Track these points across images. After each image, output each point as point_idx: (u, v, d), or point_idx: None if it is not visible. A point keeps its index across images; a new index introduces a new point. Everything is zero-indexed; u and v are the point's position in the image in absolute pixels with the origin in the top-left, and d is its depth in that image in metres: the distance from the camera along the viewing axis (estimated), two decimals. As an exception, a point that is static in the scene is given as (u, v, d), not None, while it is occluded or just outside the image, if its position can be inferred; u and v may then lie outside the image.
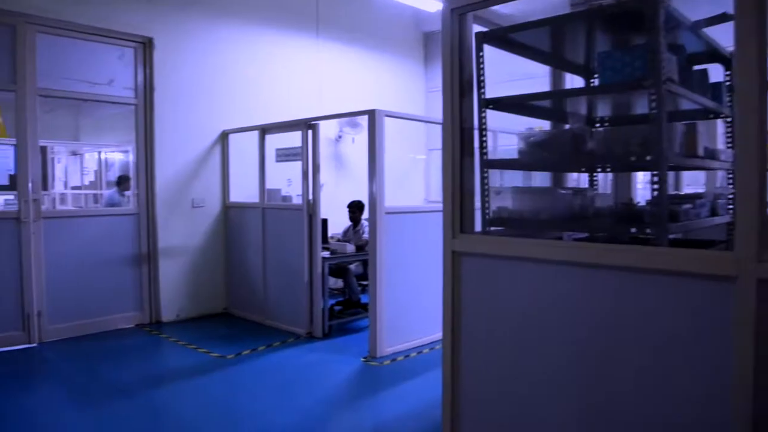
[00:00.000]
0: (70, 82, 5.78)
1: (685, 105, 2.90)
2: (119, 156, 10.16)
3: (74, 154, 10.78)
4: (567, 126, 3.41)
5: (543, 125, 4.00)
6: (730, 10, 2.00)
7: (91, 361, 5.09)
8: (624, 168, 3.32)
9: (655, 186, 2.32)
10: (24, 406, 4.03)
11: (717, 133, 4.29)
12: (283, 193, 6.55)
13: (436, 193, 8.06)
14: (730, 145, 3.16)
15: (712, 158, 2.93)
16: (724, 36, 2.68)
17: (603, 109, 3.32)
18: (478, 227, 2.94)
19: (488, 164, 2.92)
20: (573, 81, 3.76)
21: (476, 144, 2.90)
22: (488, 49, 2.86)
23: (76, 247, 5.81)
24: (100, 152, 10.21)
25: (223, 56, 6.83)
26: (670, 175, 4.30)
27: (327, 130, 7.68)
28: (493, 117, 2.95)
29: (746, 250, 1.92)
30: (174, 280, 6.46)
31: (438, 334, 3.00)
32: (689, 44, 2.81)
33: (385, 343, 5.21)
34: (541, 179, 5.91)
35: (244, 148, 6.74)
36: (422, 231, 5.36)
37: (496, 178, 4.90)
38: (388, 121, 5.19)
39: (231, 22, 6.92)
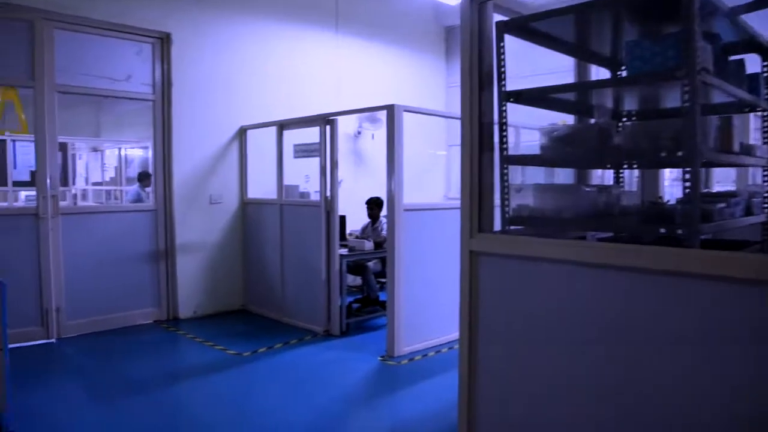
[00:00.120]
0: (88, 78, 5.77)
1: (719, 98, 2.74)
2: (139, 152, 10.21)
3: (95, 150, 10.87)
4: (592, 120, 3.27)
5: (567, 121, 3.86)
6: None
7: (108, 357, 5.10)
8: (653, 164, 3.16)
9: (687, 183, 2.18)
10: (42, 401, 4.03)
11: (750, 128, 4.09)
12: (301, 189, 6.49)
13: (456, 189, 7.92)
14: (767, 140, 2.99)
15: (748, 154, 2.77)
16: (763, 24, 2.53)
17: (630, 103, 3.17)
18: (497, 226, 2.82)
19: (508, 160, 2.80)
20: (598, 74, 3.61)
21: (496, 139, 2.79)
22: (509, 43, 2.73)
23: (94, 243, 5.82)
24: (120, 148, 10.27)
25: (242, 51, 6.78)
26: (701, 172, 4.12)
27: (346, 126, 7.61)
28: (515, 113, 2.83)
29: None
30: (191, 276, 6.44)
31: (457, 334, 2.90)
32: (725, 33, 2.64)
33: (402, 342, 5.12)
34: (563, 177, 5.74)
35: (262, 143, 6.69)
36: (441, 228, 5.25)
37: (517, 175, 4.76)
38: (407, 116, 5.10)
39: (249, 17, 6.86)
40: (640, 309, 2.20)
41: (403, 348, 5.13)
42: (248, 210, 6.82)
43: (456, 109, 2.86)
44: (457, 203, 2.92)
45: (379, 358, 5.06)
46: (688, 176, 2.18)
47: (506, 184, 2.78)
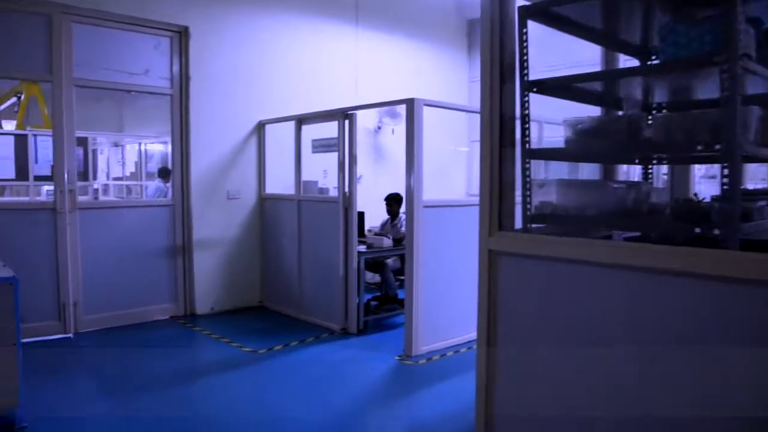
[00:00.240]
0: (106, 72, 5.74)
1: (758, 87, 2.55)
2: (160, 147, 10.23)
3: (116, 145, 10.93)
4: (620, 112, 3.09)
5: (592, 114, 3.68)
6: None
7: (124, 352, 5.09)
8: (687, 159, 2.99)
9: (726, 179, 2.01)
10: (56, 396, 4.01)
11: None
12: (320, 185, 6.40)
13: (478, 186, 7.74)
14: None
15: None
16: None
17: (662, 94, 2.99)
18: (518, 224, 2.68)
19: (531, 154, 2.65)
20: (626, 65, 3.43)
21: (518, 132, 2.64)
22: (532, 32, 2.58)
23: (111, 238, 5.80)
24: (140, 143, 10.30)
25: (260, 46, 6.70)
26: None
27: (366, 120, 7.48)
28: (537, 107, 2.67)
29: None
30: (209, 272, 6.40)
31: (476, 333, 2.78)
32: (767, 17, 2.46)
33: (420, 342, 4.99)
34: (588, 172, 5.55)
35: (280, 138, 6.60)
36: (461, 225, 5.09)
37: (540, 170, 4.59)
38: (427, 111, 4.96)
39: (268, 11, 6.77)
40: (670, 313, 2.04)
41: (421, 347, 5.00)
42: (266, 205, 6.75)
43: (478, 104, 2.72)
44: (478, 200, 2.79)
45: (397, 358, 4.95)
46: (726, 171, 2.01)
47: (528, 179, 2.63)
